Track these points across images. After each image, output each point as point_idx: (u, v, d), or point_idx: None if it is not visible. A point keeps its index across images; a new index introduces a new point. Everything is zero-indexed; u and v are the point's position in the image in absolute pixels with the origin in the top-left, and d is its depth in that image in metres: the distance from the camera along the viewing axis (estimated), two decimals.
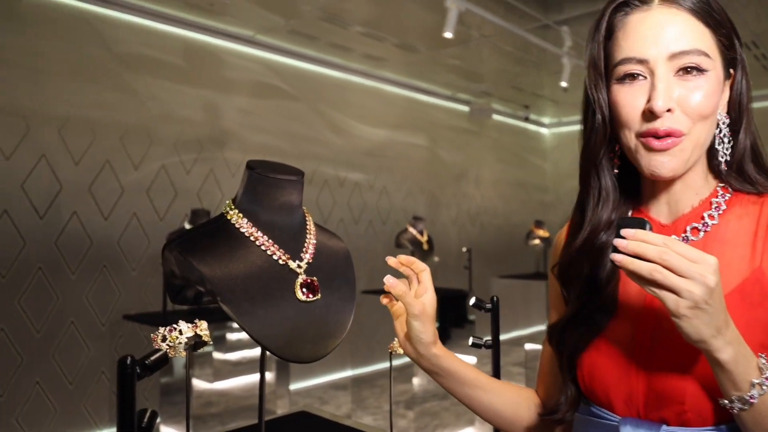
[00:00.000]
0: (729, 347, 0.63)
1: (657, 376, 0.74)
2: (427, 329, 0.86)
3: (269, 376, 3.52)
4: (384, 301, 0.91)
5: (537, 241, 5.73)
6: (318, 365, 4.51)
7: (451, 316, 4.57)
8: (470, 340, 1.17)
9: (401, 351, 0.92)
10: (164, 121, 4.00)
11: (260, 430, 0.94)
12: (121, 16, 3.81)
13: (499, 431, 0.99)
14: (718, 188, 0.82)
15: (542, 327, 5.41)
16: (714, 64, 0.75)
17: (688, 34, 0.74)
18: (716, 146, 0.80)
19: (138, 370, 0.56)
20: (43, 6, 3.46)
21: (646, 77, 0.75)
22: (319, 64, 5.02)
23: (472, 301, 1.19)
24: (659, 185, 0.82)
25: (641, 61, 0.75)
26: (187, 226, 3.66)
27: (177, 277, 0.87)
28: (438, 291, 0.90)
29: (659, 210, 0.84)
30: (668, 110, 0.73)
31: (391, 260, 0.89)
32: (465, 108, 6.64)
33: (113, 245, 3.71)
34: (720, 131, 0.80)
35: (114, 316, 3.63)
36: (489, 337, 1.27)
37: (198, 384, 3.40)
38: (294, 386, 4.50)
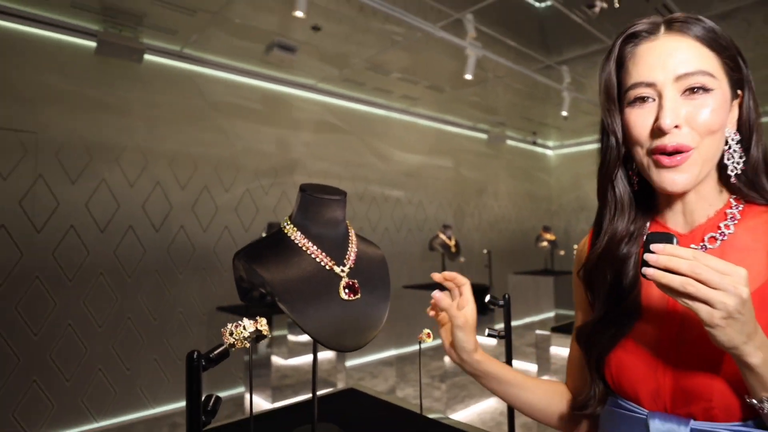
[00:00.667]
0: (759, 351, 0.54)
1: (683, 373, 0.65)
2: (469, 338, 0.78)
3: (330, 354, 3.50)
4: (431, 313, 0.83)
5: (545, 243, 5.52)
6: (368, 346, 4.50)
7: (476, 306, 4.44)
8: (486, 332, 1.09)
9: (428, 340, 0.86)
10: (247, 154, 4.08)
11: (313, 405, 0.91)
12: (214, 72, 3.91)
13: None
14: (731, 200, 0.71)
15: (550, 314, 5.19)
16: (719, 84, 0.65)
17: (693, 58, 0.65)
18: (725, 161, 0.69)
19: (203, 363, 0.54)
20: (156, 69, 3.59)
21: (654, 99, 0.66)
22: (366, 104, 5.02)
23: (487, 298, 1.11)
24: (674, 197, 0.72)
25: (650, 85, 0.66)
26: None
27: (244, 281, 0.85)
28: None
29: (675, 220, 0.73)
30: (676, 126, 0.64)
31: (436, 276, 0.82)
32: (484, 136, 6.52)
33: (210, 252, 3.79)
34: (729, 147, 0.69)
35: (211, 308, 3.70)
36: (502, 324, 1.20)
37: (276, 360, 3.40)
38: (349, 363, 4.47)
